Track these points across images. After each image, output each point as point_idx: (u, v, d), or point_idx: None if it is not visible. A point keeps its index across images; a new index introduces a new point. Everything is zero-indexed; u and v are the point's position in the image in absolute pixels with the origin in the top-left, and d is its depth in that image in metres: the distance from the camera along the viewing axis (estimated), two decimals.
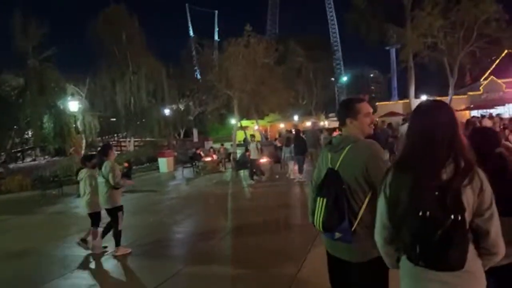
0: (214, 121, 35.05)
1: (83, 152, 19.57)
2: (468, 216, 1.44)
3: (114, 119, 25.45)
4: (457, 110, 27.59)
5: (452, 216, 1.38)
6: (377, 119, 29.83)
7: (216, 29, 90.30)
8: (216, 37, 74.68)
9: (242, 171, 14.42)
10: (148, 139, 25.81)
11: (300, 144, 11.92)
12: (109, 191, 5.53)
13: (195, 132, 33.85)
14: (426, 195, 1.43)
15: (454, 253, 1.40)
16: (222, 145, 19.24)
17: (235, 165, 14.62)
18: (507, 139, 9.39)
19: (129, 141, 24.04)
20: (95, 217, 5.86)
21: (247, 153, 14.43)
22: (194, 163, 16.16)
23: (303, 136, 12.68)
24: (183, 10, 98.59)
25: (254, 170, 12.58)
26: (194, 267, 5.17)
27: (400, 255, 1.62)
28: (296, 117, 41.65)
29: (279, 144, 19.88)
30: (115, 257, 5.62)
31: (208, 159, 16.28)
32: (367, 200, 2.01)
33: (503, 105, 29.72)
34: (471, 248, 1.48)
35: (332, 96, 71.17)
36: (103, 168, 5.49)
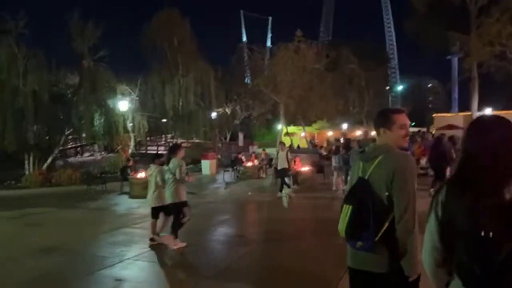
0: (260, 126, 34.89)
1: (130, 150, 20.29)
2: None
3: (164, 120, 26.19)
4: None
5: None
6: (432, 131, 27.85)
7: (269, 35, 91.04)
8: (268, 43, 74.91)
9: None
10: (194, 141, 26.21)
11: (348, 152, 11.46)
12: (176, 186, 5.86)
13: (240, 136, 33.97)
14: (488, 214, 1.34)
15: None
16: (264, 150, 18.95)
17: (275, 172, 14.14)
18: None
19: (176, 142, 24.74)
20: (159, 211, 6.20)
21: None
22: (235, 167, 15.99)
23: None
24: (238, 16, 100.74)
25: (286, 181, 11.42)
26: (212, 282, 4.82)
27: (451, 279, 1.50)
28: (345, 125, 40.25)
29: (324, 153, 19.17)
30: (147, 257, 5.66)
31: (249, 164, 16.03)
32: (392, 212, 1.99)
33: None
34: None
35: (385, 105, 68.12)
36: (170, 164, 5.85)
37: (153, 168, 6.37)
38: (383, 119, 2.18)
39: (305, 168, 13.85)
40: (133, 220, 8.36)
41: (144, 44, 24.28)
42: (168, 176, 5.91)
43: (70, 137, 20.98)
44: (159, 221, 6.30)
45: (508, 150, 1.42)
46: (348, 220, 2.02)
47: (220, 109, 26.88)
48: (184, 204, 5.98)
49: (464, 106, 42.46)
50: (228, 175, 15.87)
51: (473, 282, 1.37)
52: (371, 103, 37.88)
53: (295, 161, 14.24)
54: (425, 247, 1.61)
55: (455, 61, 52.35)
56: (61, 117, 18.23)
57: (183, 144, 25.64)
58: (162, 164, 6.28)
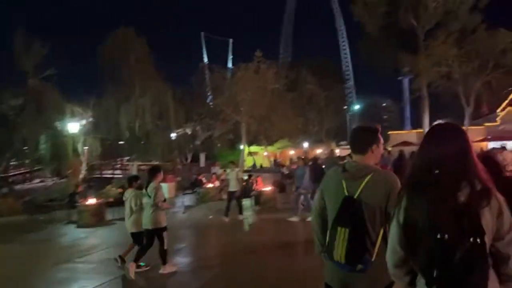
0: (222, 146, 34.35)
1: (81, 175, 18.96)
2: (488, 240, 1.40)
3: (122, 142, 24.96)
4: (474, 141, 26.57)
5: (471, 239, 1.36)
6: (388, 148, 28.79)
7: (230, 56, 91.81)
8: (230, 65, 75.39)
9: (244, 200, 13.46)
10: (153, 163, 25.09)
11: (317, 171, 11.32)
12: (155, 211, 5.64)
13: (202, 157, 33.19)
14: (444, 217, 1.40)
15: (474, 278, 1.35)
16: (225, 170, 18.43)
17: (227, 195, 13.67)
18: None
19: (133, 165, 23.43)
20: (139, 237, 5.90)
21: (250, 181, 13.58)
22: (195, 190, 15.34)
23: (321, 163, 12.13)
24: (199, 37, 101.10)
25: (239, 205, 10.66)
26: None
27: (413, 279, 1.57)
28: (306, 144, 40.80)
29: (286, 172, 19.01)
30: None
31: (210, 185, 15.44)
32: (382, 229, 1.99)
33: None
34: (492, 274, 1.43)
35: (343, 124, 70.38)
36: (148, 189, 5.66)
37: (129, 192, 6.12)
38: (374, 136, 2.15)
39: (267, 188, 13.55)
40: (78, 253, 7.50)
41: (99, 64, 23.24)
42: (146, 200, 5.72)
43: (13, 162, 19.25)
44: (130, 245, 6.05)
45: (460, 156, 1.49)
46: (347, 243, 1.94)
47: (180, 130, 26.12)
48: (164, 229, 5.74)
49: (417, 123, 44.88)
50: (188, 198, 15.22)
51: (433, 283, 1.41)
52: (330, 122, 38.86)
53: (256, 181, 13.95)
54: (387, 249, 1.65)
55: (406, 81, 55.58)
56: (2, 141, 16.65)
57: (141, 167, 24.70)
58: (140, 188, 6.08)
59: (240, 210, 10.62)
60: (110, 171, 25.37)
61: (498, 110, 31.86)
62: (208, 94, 32.14)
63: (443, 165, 1.47)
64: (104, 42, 23.29)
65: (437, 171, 1.47)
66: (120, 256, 5.83)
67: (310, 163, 14.15)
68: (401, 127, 56.60)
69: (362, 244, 1.93)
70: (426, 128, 32.46)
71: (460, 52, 26.23)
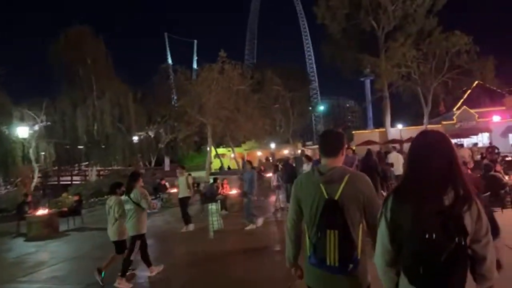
0: (187, 149, 33.40)
1: (33, 183, 17.63)
2: (468, 242, 1.50)
3: (81, 147, 23.40)
4: None
5: (456, 240, 1.45)
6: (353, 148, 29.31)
7: (195, 58, 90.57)
8: (195, 66, 74.32)
9: (210, 205, 12.98)
10: (113, 168, 23.79)
11: (290, 171, 11.19)
12: (138, 217, 5.59)
13: (166, 160, 32.08)
14: (430, 219, 1.49)
15: (456, 277, 1.47)
16: (190, 174, 17.76)
17: (201, 198, 13.12)
18: (495, 170, 8.87)
19: (91, 170, 22.10)
20: (121, 245, 5.68)
21: (215, 184, 13.09)
22: (158, 195, 14.60)
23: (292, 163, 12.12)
24: (163, 38, 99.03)
25: (187, 213, 9.65)
26: None
27: (399, 279, 1.63)
28: (273, 145, 40.84)
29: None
30: None
31: (174, 190, 14.71)
32: (361, 227, 2.08)
33: (476, 134, 30.00)
34: (468, 274, 1.53)
35: (309, 125, 71.30)
36: (132, 195, 5.56)
37: (113, 199, 5.86)
38: (343, 139, 2.26)
39: (234, 191, 13.13)
40: (23, 271, 6.74)
41: (50, 63, 21.56)
42: (129, 207, 5.61)
43: None
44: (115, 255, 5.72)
45: (442, 161, 1.58)
46: (338, 245, 1.98)
47: (142, 133, 25.00)
48: (142, 236, 5.66)
49: (379, 123, 46.26)
50: None
51: (417, 280, 1.51)
52: (296, 123, 39.11)
53: (223, 185, 13.50)
54: (377, 250, 1.71)
55: (367, 82, 57.29)
56: None
57: (101, 172, 23.38)
58: (122, 194, 5.89)
59: (186, 220, 9.59)
60: (68, 178, 23.90)
61: (455, 109, 33.43)
62: (172, 96, 31.17)
63: (430, 171, 1.57)
64: (55, 40, 21.66)
65: (423, 176, 1.57)
66: (98, 269, 5.53)
67: (280, 163, 14.04)
68: (364, 127, 58.22)
69: (351, 244, 2.00)
70: (388, 127, 33.51)
71: (418, 53, 27.23)
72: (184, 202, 9.79)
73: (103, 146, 21.74)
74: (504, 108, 32.05)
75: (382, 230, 1.67)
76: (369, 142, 29.34)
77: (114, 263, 5.58)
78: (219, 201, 12.41)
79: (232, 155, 38.48)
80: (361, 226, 2.07)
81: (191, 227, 9.59)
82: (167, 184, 15.44)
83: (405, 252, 1.55)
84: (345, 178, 2.08)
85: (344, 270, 1.99)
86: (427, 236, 1.45)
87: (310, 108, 56.87)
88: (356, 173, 2.19)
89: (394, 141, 29.24)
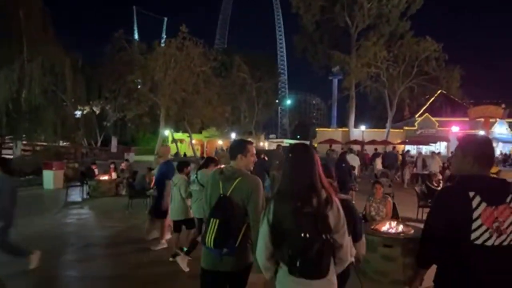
0: (137, 130, 30.70)
1: None
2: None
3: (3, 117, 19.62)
4: (393, 144, 27.17)
5: (324, 236, 1.83)
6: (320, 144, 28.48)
7: (164, 36, 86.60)
8: (162, 44, 70.77)
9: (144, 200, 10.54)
10: (43, 143, 20.75)
11: (261, 165, 9.72)
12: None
13: (114, 141, 29.20)
14: (304, 220, 1.84)
15: (324, 264, 1.85)
16: (127, 160, 15.60)
17: (129, 192, 10.55)
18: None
19: (15, 145, 19.00)
20: (188, 223, 5.64)
21: (148, 176, 10.62)
22: (85, 181, 12.22)
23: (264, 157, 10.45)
24: (131, 12, 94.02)
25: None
26: None
27: (278, 268, 1.99)
28: (234, 135, 39.15)
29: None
30: None
31: (105, 177, 12.47)
32: (246, 220, 2.43)
33: (435, 142, 30.24)
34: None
35: (274, 118, 70.47)
36: (199, 175, 5.42)
37: (178, 177, 5.74)
38: (241, 148, 2.63)
39: None
40: None
41: None
42: (195, 188, 5.44)
43: None
44: (182, 234, 5.69)
45: (309, 172, 1.96)
46: (216, 232, 2.36)
47: (85, 108, 22.33)
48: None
49: (342, 122, 46.16)
50: (74, 193, 12.05)
51: (295, 270, 1.86)
52: (260, 114, 37.78)
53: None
54: (258, 245, 2.02)
55: (335, 81, 57.15)
56: None
57: (26, 148, 20.05)
58: (187, 174, 5.90)
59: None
60: None
61: (417, 116, 33.57)
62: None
63: (299, 178, 1.96)
64: None
65: (296, 182, 1.95)
66: (173, 255, 5.39)
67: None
68: (328, 125, 58.27)
69: (227, 232, 2.35)
70: (352, 127, 33.15)
71: (388, 55, 26.84)
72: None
73: (29, 119, 18.57)
74: (467, 119, 32.48)
75: (264, 230, 1.98)
76: (331, 141, 28.71)
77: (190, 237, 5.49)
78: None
79: (193, 142, 36.45)
80: (246, 221, 2.41)
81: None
82: (97, 169, 13.17)
83: (284, 248, 1.87)
84: (238, 179, 2.48)
85: (219, 252, 2.38)
86: (302, 235, 1.81)
87: (277, 101, 55.82)
88: (249, 176, 2.54)
89: (356, 142, 28.78)
